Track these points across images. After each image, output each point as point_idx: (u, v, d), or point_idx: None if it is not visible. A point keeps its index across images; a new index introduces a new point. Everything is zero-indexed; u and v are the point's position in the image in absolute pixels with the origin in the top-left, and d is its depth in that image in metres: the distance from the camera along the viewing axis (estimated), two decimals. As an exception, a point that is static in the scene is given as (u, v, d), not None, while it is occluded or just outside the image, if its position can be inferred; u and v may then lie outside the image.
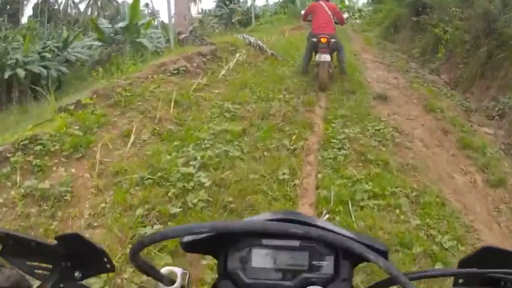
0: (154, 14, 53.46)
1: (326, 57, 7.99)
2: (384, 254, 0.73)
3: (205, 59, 8.98)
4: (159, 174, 4.63)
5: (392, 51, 15.93)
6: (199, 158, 4.97)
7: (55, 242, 0.72)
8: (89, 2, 52.27)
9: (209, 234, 0.73)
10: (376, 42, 17.91)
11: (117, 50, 21.24)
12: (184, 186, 4.40)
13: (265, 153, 5.38)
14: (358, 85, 8.69)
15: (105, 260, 0.75)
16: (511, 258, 0.72)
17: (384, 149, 5.86)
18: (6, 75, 17.64)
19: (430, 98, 8.86)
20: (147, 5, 54.75)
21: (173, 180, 4.51)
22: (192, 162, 4.86)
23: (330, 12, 8.71)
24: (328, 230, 0.69)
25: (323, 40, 8.07)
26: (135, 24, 18.66)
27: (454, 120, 7.71)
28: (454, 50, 11.15)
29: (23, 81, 18.35)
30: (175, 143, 5.44)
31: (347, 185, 4.68)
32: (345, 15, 10.96)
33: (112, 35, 20.40)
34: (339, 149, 5.61)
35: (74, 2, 51.37)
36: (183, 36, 10.59)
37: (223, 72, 8.65)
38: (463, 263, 0.76)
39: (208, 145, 5.38)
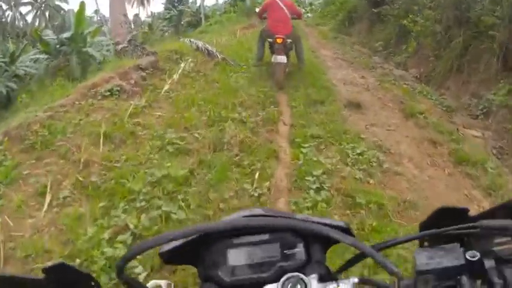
0: (102, 21, 51.50)
1: (282, 59, 7.48)
2: (347, 231, 0.78)
3: (145, 73, 7.46)
4: (79, 260, 3.20)
5: (351, 45, 14.79)
6: (131, 226, 3.52)
7: (43, 275, 0.71)
8: (36, 12, 49.75)
9: (187, 239, 0.77)
10: (332, 36, 16.74)
11: (64, 62, 20.13)
12: (112, 279, 2.95)
13: (221, 205, 3.95)
14: (325, 91, 7.38)
15: (93, 283, 0.76)
16: (466, 214, 0.77)
17: (371, 181, 4.54)
18: None
19: (406, 100, 7.71)
20: (96, 11, 52.59)
21: (97, 269, 3.06)
22: (121, 237, 3.40)
23: (286, 10, 8.08)
24: (294, 219, 0.75)
25: (278, 41, 7.51)
26: (81, 33, 16.94)
27: (438, 126, 6.58)
28: (424, 41, 9.96)
29: None
30: (101, 204, 3.94)
31: (336, 251, 3.28)
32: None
33: (58, 46, 18.47)
34: (317, 190, 4.19)
35: (21, 14, 48.56)
36: (120, 46, 8.93)
37: (166, 87, 7.17)
38: (423, 225, 0.79)
39: (143, 203, 3.89)
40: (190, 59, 9.17)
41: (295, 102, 6.77)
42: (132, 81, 6.93)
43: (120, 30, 8.86)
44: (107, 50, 19.37)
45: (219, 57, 9.86)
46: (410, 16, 10.04)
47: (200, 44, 10.48)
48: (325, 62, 10.79)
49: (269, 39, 7.91)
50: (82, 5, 18.17)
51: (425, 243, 0.79)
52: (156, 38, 29.95)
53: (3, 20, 46.79)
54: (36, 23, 48.32)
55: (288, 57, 7.80)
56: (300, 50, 8.40)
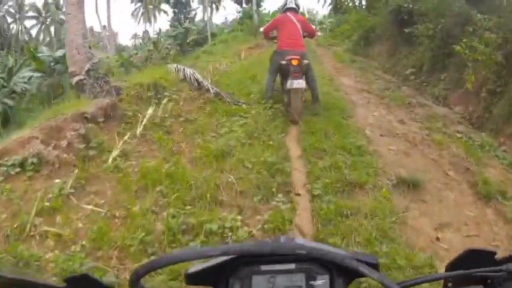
0: (101, 38, 49.51)
1: (300, 83, 6.13)
2: (375, 266, 0.72)
3: (90, 127, 4.91)
4: None
5: (372, 70, 12.35)
6: None
7: (64, 284, 0.70)
8: (41, 27, 48.15)
9: (216, 262, 0.73)
10: (349, 59, 14.27)
11: (57, 81, 18.56)
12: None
13: None
14: (360, 158, 4.84)
15: None
16: (493, 257, 0.75)
17: None
18: None
19: (470, 164, 5.21)
20: (105, 27, 50.62)
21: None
22: None
23: (299, 26, 6.90)
24: (323, 250, 0.70)
25: (294, 62, 6.17)
26: None
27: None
28: (479, 74, 7.43)
29: None
30: None
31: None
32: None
33: (52, 64, 18.19)
34: None
35: (25, 28, 46.88)
36: (76, 79, 6.40)
37: (115, 153, 4.68)
38: (450, 266, 0.77)
39: None
40: (170, 96, 6.72)
41: (318, 184, 4.20)
42: (64, 144, 4.46)
43: (76, 57, 6.31)
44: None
45: (212, 91, 7.42)
46: (464, 40, 7.43)
47: (189, 72, 8.02)
48: (348, 95, 8.32)
49: (282, 61, 6.42)
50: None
51: (449, 284, 0.78)
52: (162, 56, 27.76)
53: (8, 33, 45.41)
54: (41, 38, 46.85)
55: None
56: (313, 80, 6.88)
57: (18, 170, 4.07)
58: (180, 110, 6.42)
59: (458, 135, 6.42)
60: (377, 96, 8.45)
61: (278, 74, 6.97)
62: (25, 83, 19.98)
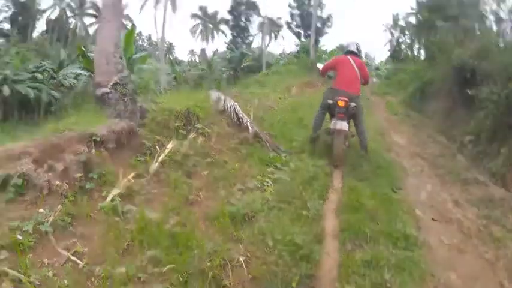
0: (155, 48, 49.52)
1: (343, 125, 6.08)
2: None
3: (95, 152, 4.06)
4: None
5: (427, 129, 11.17)
6: None
7: None
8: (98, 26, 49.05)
9: None
10: (403, 113, 13.20)
11: None
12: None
13: None
14: (404, 243, 3.86)
15: None
16: None
17: None
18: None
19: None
20: (162, 38, 51.11)
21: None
22: None
23: (357, 70, 6.71)
24: None
25: (340, 103, 6.17)
26: (128, 58, 14.62)
27: None
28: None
29: (9, 100, 16.33)
30: None
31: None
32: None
33: None
34: None
35: (83, 24, 47.65)
36: (101, 91, 5.56)
37: (114, 191, 3.82)
38: None
39: None
40: (201, 129, 5.88)
41: (350, 286, 3.14)
42: (60, 168, 3.65)
43: (104, 67, 5.51)
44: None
45: (251, 130, 6.55)
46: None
47: (230, 103, 7.18)
48: (400, 158, 7.32)
49: (329, 101, 6.42)
50: (132, 28, 15.83)
51: None
52: (215, 77, 27.38)
53: (65, 26, 46.38)
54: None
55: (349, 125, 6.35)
56: (361, 123, 6.64)
57: (-3, 188, 3.28)
58: (209, 148, 5.57)
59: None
60: (431, 164, 7.36)
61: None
62: (75, 78, 19.81)
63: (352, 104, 6.23)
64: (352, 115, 6.42)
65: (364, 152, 6.53)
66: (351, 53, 6.98)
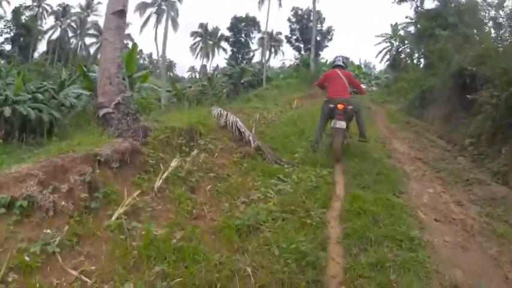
0: (155, 66, 49.75)
1: (341, 124, 7.11)
2: None
3: (100, 171, 4.13)
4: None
5: (427, 134, 11.21)
6: None
7: None
8: (99, 46, 49.59)
9: None
10: (403, 120, 13.22)
11: None
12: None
13: None
14: (408, 244, 3.89)
15: None
16: None
17: None
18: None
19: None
20: (162, 56, 51.50)
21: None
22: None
23: (345, 80, 7.77)
24: None
25: (340, 107, 7.20)
26: (129, 77, 14.71)
27: None
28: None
29: (11, 120, 16.36)
30: None
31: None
32: (363, 86, 9.46)
33: None
34: None
35: (84, 44, 48.11)
36: (103, 111, 5.63)
37: (122, 209, 3.86)
38: None
39: None
40: (204, 145, 5.94)
41: None
42: (65, 189, 3.69)
43: (106, 87, 5.57)
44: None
45: (253, 144, 6.62)
46: None
47: (231, 119, 7.27)
48: (401, 164, 7.35)
49: (330, 105, 7.38)
50: (134, 46, 15.87)
51: None
52: (215, 93, 27.46)
53: (67, 46, 46.72)
54: (98, 56, 47.61)
55: (347, 126, 7.40)
56: (361, 120, 7.66)
57: (3, 211, 3.31)
58: (212, 163, 5.63)
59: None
60: (432, 168, 7.39)
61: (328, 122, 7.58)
62: (76, 98, 19.87)
63: (350, 107, 7.25)
64: (351, 116, 7.40)
65: (363, 139, 7.54)
66: (339, 66, 8.10)
